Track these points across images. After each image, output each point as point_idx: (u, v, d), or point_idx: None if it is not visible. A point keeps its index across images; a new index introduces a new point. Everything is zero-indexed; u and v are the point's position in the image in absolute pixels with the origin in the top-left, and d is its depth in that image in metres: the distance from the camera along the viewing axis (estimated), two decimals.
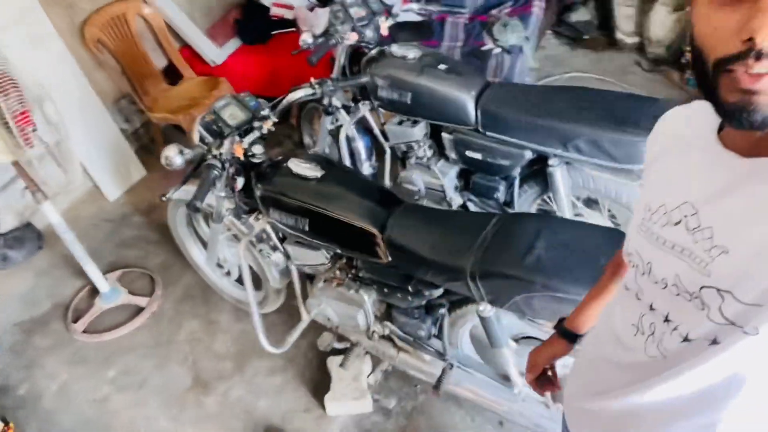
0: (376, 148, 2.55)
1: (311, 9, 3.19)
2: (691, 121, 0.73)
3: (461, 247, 1.45)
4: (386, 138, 2.38)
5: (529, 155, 1.95)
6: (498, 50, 3.02)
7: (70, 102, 2.69)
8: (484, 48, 3.09)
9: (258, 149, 1.74)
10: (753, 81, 0.51)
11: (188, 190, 2.12)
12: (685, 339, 0.66)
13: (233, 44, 3.39)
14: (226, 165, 1.65)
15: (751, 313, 0.57)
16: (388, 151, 2.42)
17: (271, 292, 2.24)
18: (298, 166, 1.70)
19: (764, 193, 0.58)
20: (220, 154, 1.59)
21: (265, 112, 1.73)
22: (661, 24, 3.54)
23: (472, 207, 2.27)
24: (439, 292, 1.62)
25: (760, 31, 0.48)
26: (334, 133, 2.46)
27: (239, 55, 3.35)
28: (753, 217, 0.58)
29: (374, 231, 1.57)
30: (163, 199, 1.71)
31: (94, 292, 2.60)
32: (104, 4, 3.03)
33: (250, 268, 2.18)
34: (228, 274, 2.38)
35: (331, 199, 1.63)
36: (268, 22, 3.32)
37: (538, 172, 2.02)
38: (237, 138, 1.66)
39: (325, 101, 2.42)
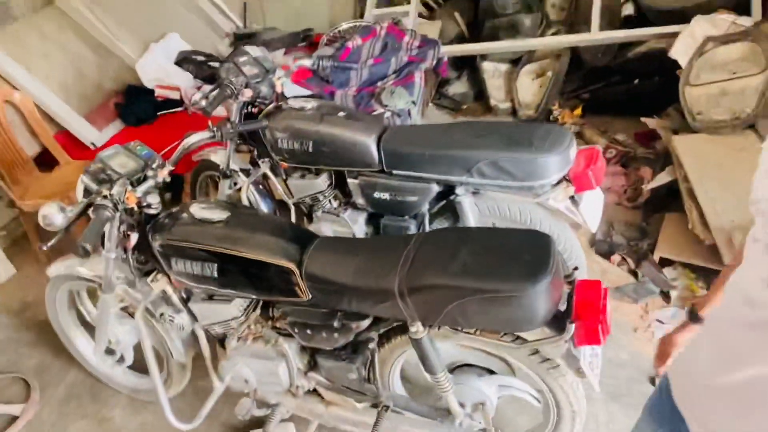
0: (279, 209, 2.48)
1: (198, 88, 3.17)
2: None
3: (385, 269, 1.38)
4: (289, 196, 2.32)
5: (435, 188, 1.98)
6: (388, 114, 3.15)
7: None
8: (375, 113, 3.21)
9: (153, 199, 1.60)
10: None
11: (70, 265, 1.91)
12: None
13: (115, 127, 3.24)
14: (119, 208, 1.49)
15: None
16: (293, 209, 2.35)
17: (175, 370, 1.98)
18: (200, 210, 1.59)
19: None
20: (111, 195, 1.43)
21: (159, 161, 1.63)
22: (528, 89, 3.94)
23: None
24: (368, 322, 1.52)
25: None
26: (234, 198, 2.36)
27: (123, 136, 3.20)
28: None
29: (291, 266, 1.46)
30: (44, 248, 1.46)
31: None
32: None
33: (137, 351, 1.95)
34: (121, 360, 2.09)
35: (241, 239, 1.51)
36: (153, 103, 3.23)
37: (446, 206, 2.05)
38: (129, 186, 1.53)
39: (222, 165, 2.35)
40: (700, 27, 2.95)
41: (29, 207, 2.79)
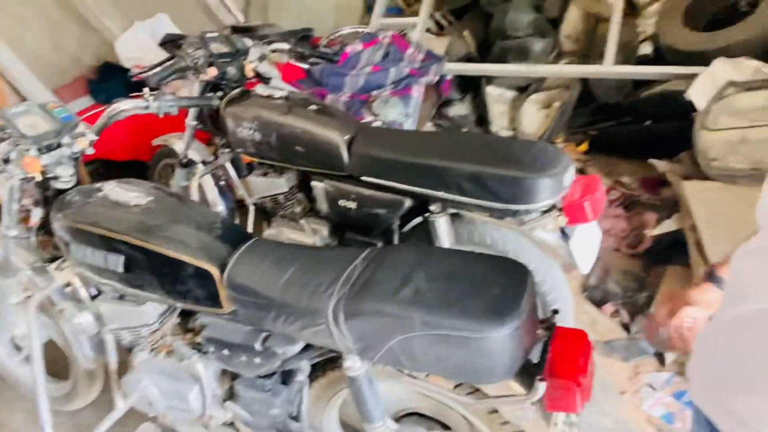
0: (239, 209, 2.23)
1: None
2: None
3: (322, 285, 1.12)
4: (249, 194, 2.07)
5: (408, 202, 1.72)
6: (378, 123, 2.92)
7: None
8: (363, 121, 2.98)
9: (65, 171, 1.34)
10: None
11: None
12: None
13: (84, 102, 3.01)
14: (13, 185, 1.24)
15: None
16: (252, 209, 2.09)
17: (81, 378, 1.70)
18: (117, 191, 1.32)
19: None
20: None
21: (81, 128, 1.37)
22: (533, 119, 3.71)
23: None
24: (296, 348, 1.24)
25: None
26: (188, 190, 2.11)
27: (87, 113, 2.95)
28: None
29: (211, 269, 1.20)
30: None
31: None
32: None
33: (54, 344, 1.67)
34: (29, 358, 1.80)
35: (157, 230, 1.24)
36: (128, 83, 2.99)
37: (419, 226, 1.78)
38: (33, 152, 1.27)
39: (180, 153, 2.11)
40: (722, 70, 2.73)
41: None
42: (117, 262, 1.25)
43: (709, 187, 2.34)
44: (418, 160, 1.62)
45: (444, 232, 1.69)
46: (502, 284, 1.04)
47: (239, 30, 3.94)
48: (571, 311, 1.76)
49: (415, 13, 4.12)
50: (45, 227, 1.40)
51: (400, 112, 3.02)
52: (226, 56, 1.92)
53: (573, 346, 1.06)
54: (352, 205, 1.79)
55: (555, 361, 1.04)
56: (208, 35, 1.92)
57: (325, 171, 1.82)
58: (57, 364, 1.80)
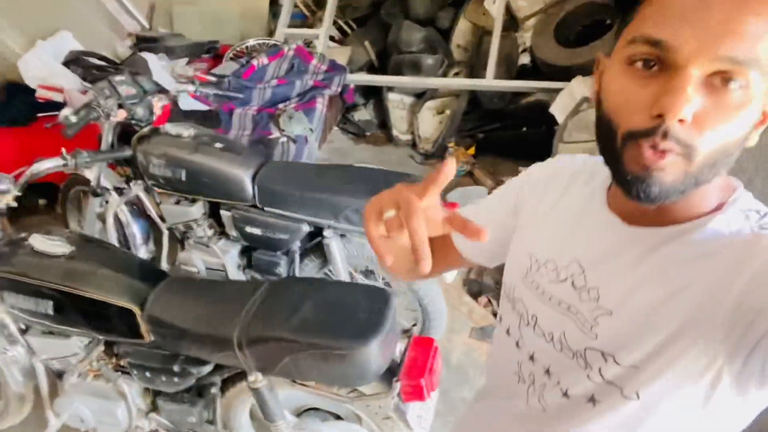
0: (153, 232, 2.41)
1: (84, 92, 3.02)
2: (580, 175, 0.73)
3: (227, 316, 1.39)
4: (163, 220, 2.27)
5: (306, 228, 2.00)
6: (284, 139, 3.16)
7: None
8: (271, 137, 3.21)
9: None
10: (657, 158, 0.51)
11: None
12: (565, 394, 0.66)
13: None
14: None
15: (629, 374, 0.58)
16: (166, 233, 2.29)
17: (13, 399, 1.87)
18: (42, 242, 1.51)
19: (647, 260, 0.59)
20: None
21: (4, 185, 1.54)
22: (428, 124, 4.08)
23: None
24: (208, 368, 1.51)
25: (670, 109, 0.49)
26: (104, 217, 2.28)
27: None
28: (636, 283, 0.59)
29: (133, 307, 1.43)
30: None
31: None
32: None
33: None
34: None
35: (82, 276, 1.46)
36: (33, 104, 3.04)
37: (317, 245, 2.08)
38: None
39: (93, 182, 2.26)
40: (579, 86, 3.19)
41: None
42: (47, 306, 1.46)
43: None
44: (311, 194, 1.91)
45: (336, 252, 2.00)
46: (370, 309, 1.35)
47: (145, 40, 4.01)
48: (444, 316, 2.11)
49: (319, 21, 4.33)
50: None
51: (305, 127, 3.27)
52: (134, 97, 2.09)
53: (423, 350, 1.41)
54: (258, 231, 2.05)
55: (409, 364, 1.39)
56: (116, 79, 2.08)
57: (232, 202, 2.06)
58: None
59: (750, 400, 0.55)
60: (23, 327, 1.64)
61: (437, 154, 3.94)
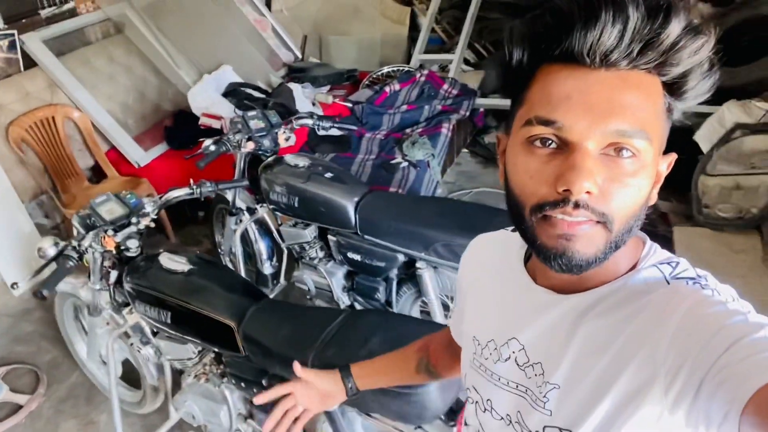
0: (276, 250, 2.66)
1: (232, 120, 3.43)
2: (498, 251, 0.74)
3: (306, 341, 1.51)
4: (283, 239, 2.50)
5: (402, 258, 2.08)
6: (405, 164, 3.27)
7: None
8: (393, 161, 3.34)
9: (132, 243, 1.81)
10: (571, 227, 0.53)
11: (74, 283, 2.17)
12: None
13: (160, 149, 3.56)
14: (96, 256, 1.72)
15: None
16: (285, 252, 2.52)
17: (149, 390, 2.20)
18: (168, 260, 1.78)
19: (580, 328, 0.60)
20: (79, 245, 1.66)
21: (146, 209, 1.84)
22: None
23: (358, 306, 2.35)
24: None
25: (575, 182, 0.51)
26: (238, 233, 2.57)
27: (164, 158, 3.51)
28: (575, 353, 0.60)
29: (231, 324, 1.62)
30: (37, 296, 1.72)
31: None
32: (35, 107, 3.19)
33: (130, 363, 2.17)
34: None
35: (194, 292, 1.69)
36: (197, 130, 3.53)
37: (413, 274, 2.14)
38: (110, 232, 1.74)
39: (230, 203, 2.56)
40: (732, 112, 2.84)
41: (71, 214, 3.14)
42: (167, 315, 1.71)
43: (697, 234, 2.49)
44: (405, 226, 1.98)
45: (429, 283, 2.04)
46: None
47: (295, 70, 4.41)
48: None
49: (456, 45, 4.39)
50: (119, 282, 1.89)
51: (427, 153, 3.34)
52: (262, 131, 2.35)
53: None
54: (358, 257, 2.17)
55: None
56: (249, 114, 2.35)
57: (337, 228, 2.21)
58: (133, 374, 2.30)
59: None
60: (154, 330, 1.93)
61: None
